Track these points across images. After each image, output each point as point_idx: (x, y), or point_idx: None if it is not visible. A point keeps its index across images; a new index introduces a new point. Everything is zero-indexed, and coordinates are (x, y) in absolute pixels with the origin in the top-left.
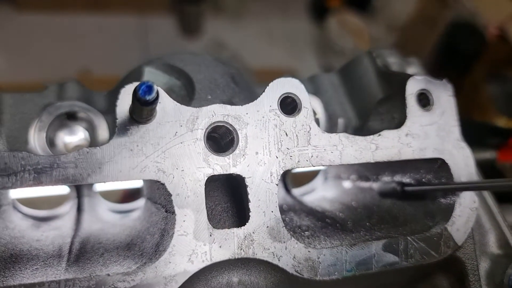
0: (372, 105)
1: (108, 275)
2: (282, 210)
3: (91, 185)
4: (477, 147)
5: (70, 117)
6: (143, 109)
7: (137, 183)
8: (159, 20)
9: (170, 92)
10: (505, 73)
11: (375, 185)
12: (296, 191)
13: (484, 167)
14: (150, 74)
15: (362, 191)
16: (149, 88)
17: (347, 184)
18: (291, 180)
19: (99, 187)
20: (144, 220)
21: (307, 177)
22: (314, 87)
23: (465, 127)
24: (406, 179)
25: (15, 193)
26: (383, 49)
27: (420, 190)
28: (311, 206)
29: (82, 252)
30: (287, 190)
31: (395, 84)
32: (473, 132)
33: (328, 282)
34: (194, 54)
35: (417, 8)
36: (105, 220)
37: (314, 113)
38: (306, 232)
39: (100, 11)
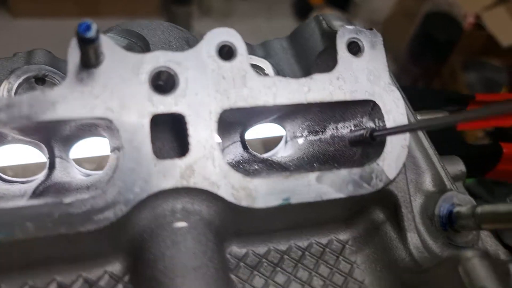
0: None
1: (61, 202)
2: (238, 163)
3: (64, 147)
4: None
5: (38, 81)
6: (86, 49)
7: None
8: None
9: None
10: (482, 60)
11: (323, 136)
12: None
13: (439, 132)
14: (110, 38)
15: (312, 144)
16: (88, 27)
17: (300, 141)
18: (261, 146)
19: (73, 154)
20: (105, 168)
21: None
22: (265, 51)
23: (424, 94)
24: (348, 126)
25: None
26: (330, 14)
27: (387, 133)
28: (263, 158)
29: (45, 192)
30: (245, 148)
31: (332, 38)
32: (431, 99)
33: (266, 210)
34: (151, 20)
35: (396, 2)
36: (75, 177)
37: (265, 74)
38: (252, 173)
39: (92, 15)
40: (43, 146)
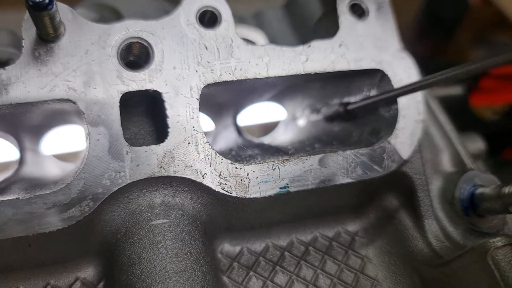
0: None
1: (17, 200)
2: (231, 151)
3: (35, 139)
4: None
5: (2, 65)
6: (41, 18)
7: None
8: None
9: None
10: (492, 38)
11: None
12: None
13: (453, 107)
14: (81, 15)
15: (314, 125)
16: None
17: (301, 122)
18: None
19: (45, 149)
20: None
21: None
22: (258, 22)
23: (431, 67)
24: (352, 99)
25: None
26: None
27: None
28: (259, 142)
29: (7, 190)
30: (240, 134)
31: (332, 1)
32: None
33: (261, 200)
34: None
35: None
36: (49, 172)
37: None
38: (245, 159)
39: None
40: (12, 138)
